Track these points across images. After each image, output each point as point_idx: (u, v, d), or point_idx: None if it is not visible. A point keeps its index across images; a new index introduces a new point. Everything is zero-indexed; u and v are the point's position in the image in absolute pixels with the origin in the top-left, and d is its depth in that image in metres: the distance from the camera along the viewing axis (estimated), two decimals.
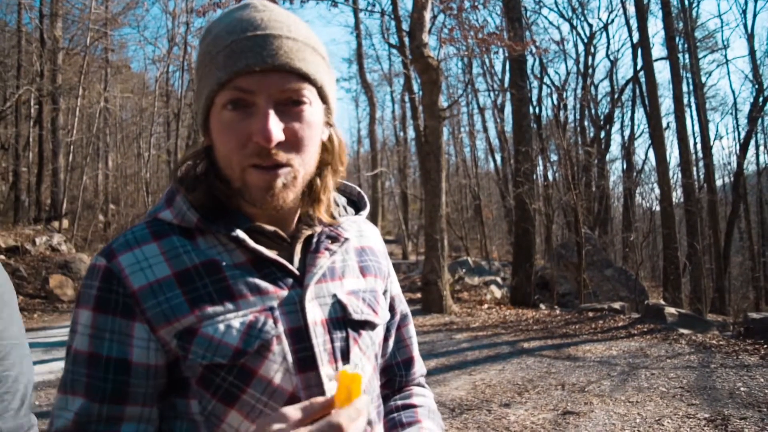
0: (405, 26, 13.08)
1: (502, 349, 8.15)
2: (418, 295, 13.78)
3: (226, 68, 0.89)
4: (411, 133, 31.11)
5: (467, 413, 5.38)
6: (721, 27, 46.84)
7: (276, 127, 0.89)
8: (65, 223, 21.02)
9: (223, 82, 0.90)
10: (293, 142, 0.92)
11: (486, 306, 13.80)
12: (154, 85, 30.87)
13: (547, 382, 6.28)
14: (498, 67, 30.35)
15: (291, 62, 0.90)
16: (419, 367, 1.25)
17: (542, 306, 13.93)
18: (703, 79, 25.93)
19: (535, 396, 5.81)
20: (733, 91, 59.96)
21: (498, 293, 17.30)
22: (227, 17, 0.95)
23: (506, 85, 22.82)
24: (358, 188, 1.17)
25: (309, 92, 0.93)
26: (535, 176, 16.96)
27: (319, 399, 0.84)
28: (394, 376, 1.20)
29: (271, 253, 0.96)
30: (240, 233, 0.94)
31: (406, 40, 13.00)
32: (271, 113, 0.89)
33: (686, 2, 23.34)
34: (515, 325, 10.30)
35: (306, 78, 0.92)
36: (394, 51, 21.71)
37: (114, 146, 32.38)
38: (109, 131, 31.03)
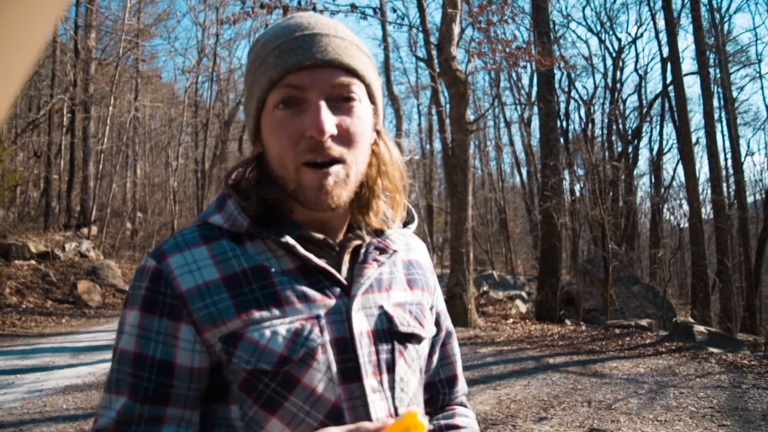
0: (433, 39, 13.10)
1: (527, 364, 8.06)
2: None
3: (277, 67, 0.91)
4: (437, 145, 31.13)
5: (492, 428, 5.33)
6: (755, 41, 46.04)
7: (329, 120, 0.90)
8: (94, 229, 21.35)
9: (275, 80, 0.91)
10: (345, 137, 0.93)
11: (511, 320, 13.70)
12: (183, 95, 31.33)
13: (573, 399, 6.19)
14: (525, 81, 30.24)
15: (340, 58, 0.92)
16: (462, 386, 1.23)
17: (568, 321, 13.77)
18: (735, 93, 25.66)
19: (561, 412, 5.73)
20: (766, 106, 58.64)
21: (523, 308, 17.20)
22: (274, 27, 0.97)
23: (533, 98, 22.75)
24: (406, 202, 1.16)
25: (358, 89, 0.94)
26: (561, 191, 16.85)
27: (368, 425, 0.84)
28: (437, 393, 1.18)
29: (320, 261, 0.96)
30: (290, 239, 0.95)
31: (434, 53, 13.02)
32: (323, 106, 0.90)
33: (717, 16, 23.12)
34: (540, 341, 10.20)
35: (355, 74, 0.94)
36: (422, 64, 21.79)
37: (143, 155, 32.86)
38: (139, 140, 31.53)
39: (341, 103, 0.93)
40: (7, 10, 0.27)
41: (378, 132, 1.02)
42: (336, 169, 0.92)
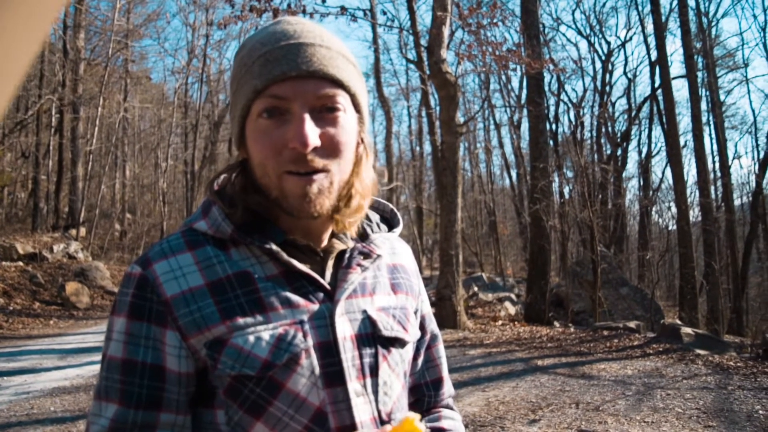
0: (423, 42, 13.11)
1: (515, 366, 8.08)
2: (432, 310, 13.72)
3: (262, 76, 0.91)
4: (427, 147, 31.19)
5: (480, 430, 5.35)
6: (742, 45, 46.66)
7: (312, 132, 0.90)
8: (82, 231, 21.21)
9: (259, 89, 0.91)
10: (329, 148, 0.93)
11: (500, 322, 13.73)
12: (172, 96, 31.22)
13: (561, 400, 6.22)
14: (515, 84, 30.31)
15: (325, 69, 0.92)
16: (448, 388, 1.24)
17: (556, 323, 13.82)
18: (723, 97, 25.84)
19: (549, 414, 5.76)
20: (753, 110, 58.84)
21: (512, 310, 17.23)
22: (261, 32, 0.96)
23: (523, 101, 22.82)
24: (391, 206, 1.16)
25: (343, 99, 0.94)
26: (551, 193, 16.92)
27: None
28: (423, 396, 1.19)
29: (304, 267, 0.97)
30: (273, 246, 0.95)
31: (424, 55, 13.03)
32: (307, 118, 0.90)
33: (705, 20, 23.29)
34: (529, 343, 10.22)
35: (340, 85, 0.94)
36: (412, 66, 21.80)
37: (132, 156, 32.71)
38: (128, 141, 31.37)
39: (326, 113, 0.93)
40: (4, 11, 0.27)
41: (361, 139, 1.02)
42: (320, 177, 0.92)
